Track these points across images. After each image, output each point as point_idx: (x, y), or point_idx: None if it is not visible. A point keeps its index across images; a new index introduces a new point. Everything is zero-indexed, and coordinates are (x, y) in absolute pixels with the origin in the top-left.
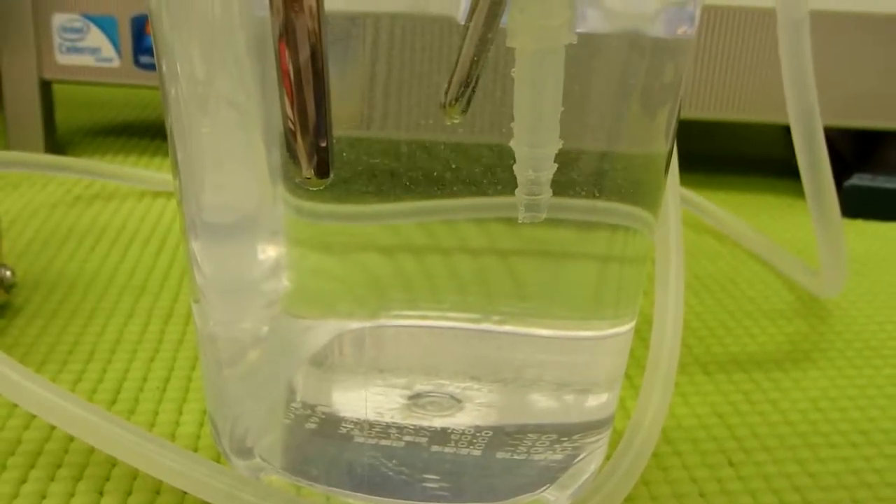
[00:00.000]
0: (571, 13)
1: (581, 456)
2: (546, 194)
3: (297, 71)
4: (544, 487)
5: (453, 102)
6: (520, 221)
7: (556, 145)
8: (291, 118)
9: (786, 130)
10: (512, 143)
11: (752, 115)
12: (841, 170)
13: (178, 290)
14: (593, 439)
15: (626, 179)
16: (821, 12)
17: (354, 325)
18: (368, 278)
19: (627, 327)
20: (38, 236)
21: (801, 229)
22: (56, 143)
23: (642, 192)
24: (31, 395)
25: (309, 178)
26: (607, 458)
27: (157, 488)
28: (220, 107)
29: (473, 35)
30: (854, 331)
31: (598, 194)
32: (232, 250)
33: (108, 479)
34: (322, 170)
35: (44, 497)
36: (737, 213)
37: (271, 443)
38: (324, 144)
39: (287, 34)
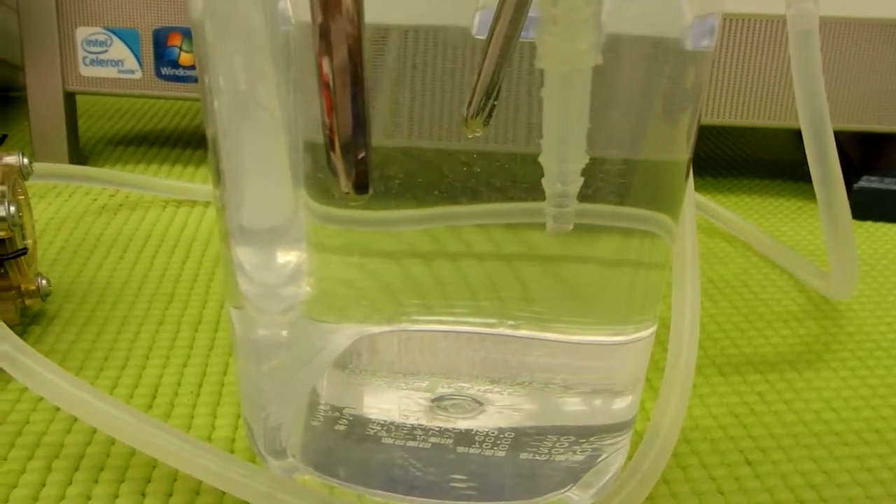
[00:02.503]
0: (598, 36)
1: (603, 457)
2: (573, 206)
3: (337, 84)
4: (568, 487)
5: (475, 116)
6: (548, 232)
7: (583, 160)
8: (331, 133)
9: (796, 134)
10: (541, 159)
11: (763, 120)
12: (849, 172)
13: (206, 298)
14: (615, 440)
15: (648, 186)
16: (830, 18)
17: (376, 329)
18: (390, 283)
19: (649, 331)
20: (67, 245)
21: (811, 232)
22: (79, 152)
23: (664, 198)
24: (74, 398)
25: (348, 193)
26: (629, 458)
27: (197, 489)
28: (259, 116)
29: (494, 51)
30: (865, 332)
31: (620, 200)
32: (274, 255)
33: (149, 481)
34: (361, 185)
35: (89, 499)
36: (749, 216)
37: (303, 443)
38: (363, 158)
39: (327, 45)
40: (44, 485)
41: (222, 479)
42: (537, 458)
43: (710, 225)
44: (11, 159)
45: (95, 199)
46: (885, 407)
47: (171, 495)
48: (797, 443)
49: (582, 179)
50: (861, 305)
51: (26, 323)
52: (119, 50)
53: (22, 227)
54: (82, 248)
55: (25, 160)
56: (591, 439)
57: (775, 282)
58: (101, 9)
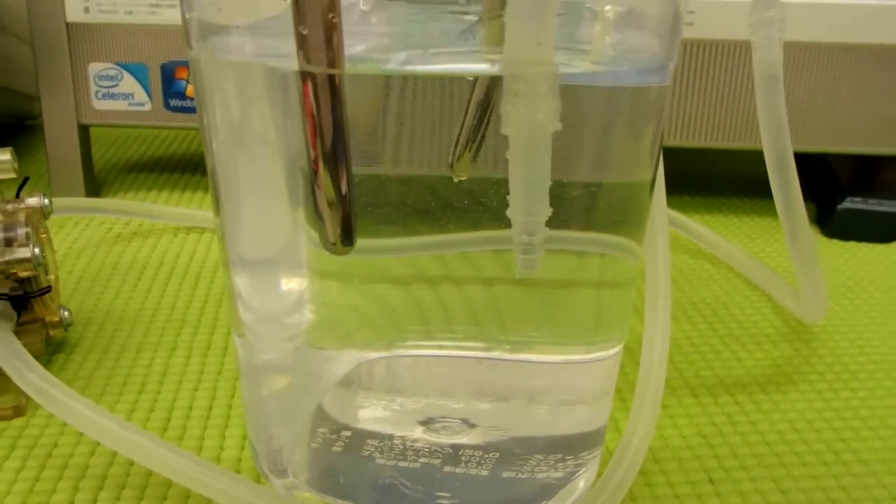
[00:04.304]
0: (556, 105)
1: (580, 472)
2: (539, 253)
3: (323, 153)
4: (544, 502)
5: (459, 159)
6: (517, 276)
7: (547, 213)
8: (317, 193)
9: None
10: (508, 212)
11: (747, 143)
12: (836, 192)
13: (215, 323)
14: (590, 455)
15: (611, 209)
16: (818, 45)
17: (372, 355)
18: (386, 310)
19: (617, 349)
20: (86, 274)
21: None
22: (94, 181)
23: (627, 221)
24: (97, 425)
25: (334, 244)
26: (599, 474)
27: None
28: (254, 149)
29: (475, 103)
30: (835, 354)
31: (584, 225)
32: (272, 284)
33: (165, 499)
34: (347, 239)
35: None
36: (734, 235)
37: (303, 463)
38: (347, 215)
39: (316, 129)
40: (72, 502)
41: (230, 497)
42: (519, 476)
43: (695, 246)
44: (33, 201)
45: (111, 229)
46: (846, 429)
47: (187, 498)
48: (759, 463)
49: (547, 230)
50: (835, 328)
51: (50, 352)
52: (129, 84)
53: (45, 266)
54: (100, 277)
55: (46, 200)
56: (572, 455)
57: (754, 303)
58: (112, 45)
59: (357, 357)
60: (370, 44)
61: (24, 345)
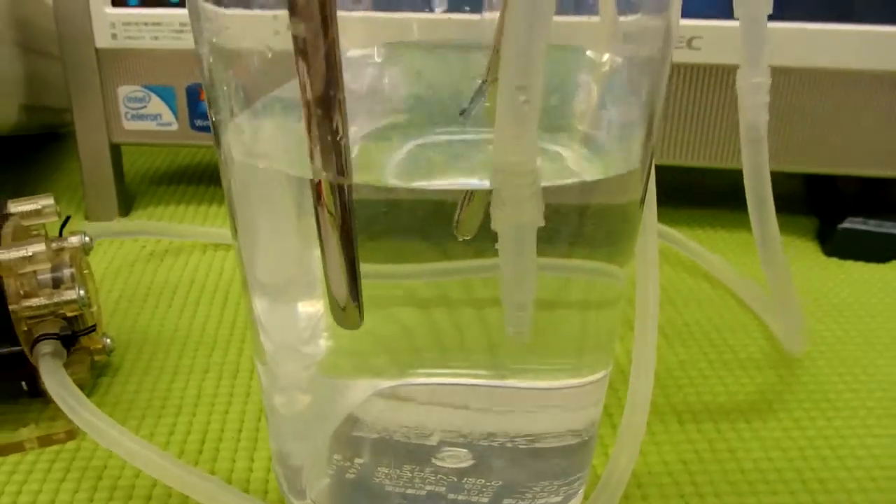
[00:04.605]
0: (540, 205)
1: (577, 494)
2: (529, 324)
3: (330, 248)
4: None
5: (461, 219)
6: (506, 336)
7: (534, 294)
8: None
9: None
10: (501, 294)
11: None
12: (838, 211)
13: (241, 346)
14: (581, 478)
15: (597, 238)
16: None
17: (384, 384)
18: (395, 341)
19: (605, 373)
20: (123, 295)
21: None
22: (125, 193)
23: (613, 244)
24: (138, 455)
25: (344, 321)
26: (586, 497)
27: None
28: (267, 178)
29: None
30: (817, 381)
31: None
32: (291, 312)
33: None
34: (353, 321)
35: None
36: (739, 251)
37: (320, 488)
38: (355, 304)
39: (323, 233)
40: None
41: None
42: (520, 502)
43: (695, 265)
44: (75, 240)
45: (144, 246)
46: (816, 458)
47: None
48: (732, 490)
49: (533, 307)
50: (820, 353)
51: (96, 376)
52: (157, 105)
53: (89, 301)
54: (136, 297)
55: (87, 238)
56: (570, 479)
57: (746, 327)
58: (139, 69)
59: (369, 386)
60: (375, 123)
61: (72, 374)
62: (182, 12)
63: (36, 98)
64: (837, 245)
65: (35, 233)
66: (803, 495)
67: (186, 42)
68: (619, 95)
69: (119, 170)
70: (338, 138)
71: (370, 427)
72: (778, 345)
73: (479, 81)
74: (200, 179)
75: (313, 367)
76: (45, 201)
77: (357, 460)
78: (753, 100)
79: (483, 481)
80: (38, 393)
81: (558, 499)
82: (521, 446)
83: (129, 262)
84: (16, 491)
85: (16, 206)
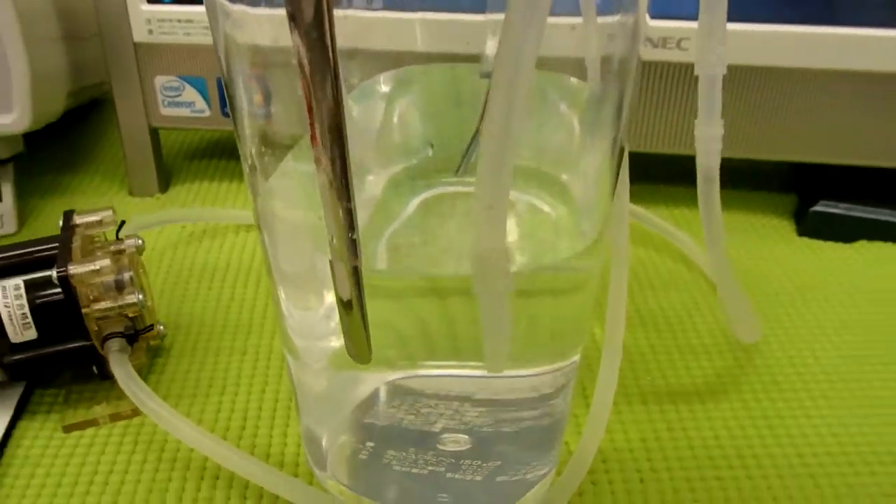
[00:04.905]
0: (511, 277)
1: (555, 465)
2: (503, 363)
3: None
4: (524, 495)
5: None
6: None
7: (507, 344)
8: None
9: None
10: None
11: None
12: (813, 195)
13: (273, 329)
14: (558, 450)
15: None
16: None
17: (391, 376)
18: (401, 337)
19: (575, 358)
20: (168, 277)
21: (768, 251)
22: (164, 172)
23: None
24: (188, 435)
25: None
26: (558, 473)
27: (276, 499)
28: (281, 177)
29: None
30: (768, 365)
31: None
32: (306, 305)
33: (246, 487)
34: (364, 358)
35: (211, 500)
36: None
37: (336, 463)
38: (365, 338)
39: (338, 289)
40: (184, 489)
41: (288, 492)
42: (512, 479)
43: (678, 250)
44: (131, 242)
45: (184, 227)
46: (755, 436)
47: (261, 497)
48: (680, 465)
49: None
50: (775, 337)
51: (151, 357)
52: (190, 94)
53: (146, 303)
54: (179, 280)
55: (140, 241)
56: (550, 454)
57: (714, 311)
58: (174, 61)
59: (377, 380)
60: (389, 168)
61: (134, 360)
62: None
63: (80, 80)
64: (809, 226)
65: (97, 241)
66: (739, 470)
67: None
68: (595, 127)
69: (158, 150)
70: (352, 235)
71: (379, 415)
72: None
73: (474, 132)
74: (232, 154)
75: (326, 360)
76: (104, 213)
77: (368, 443)
78: (708, 147)
79: (479, 462)
80: (106, 376)
81: (543, 471)
82: (511, 429)
83: (172, 244)
84: (95, 461)
85: (80, 219)
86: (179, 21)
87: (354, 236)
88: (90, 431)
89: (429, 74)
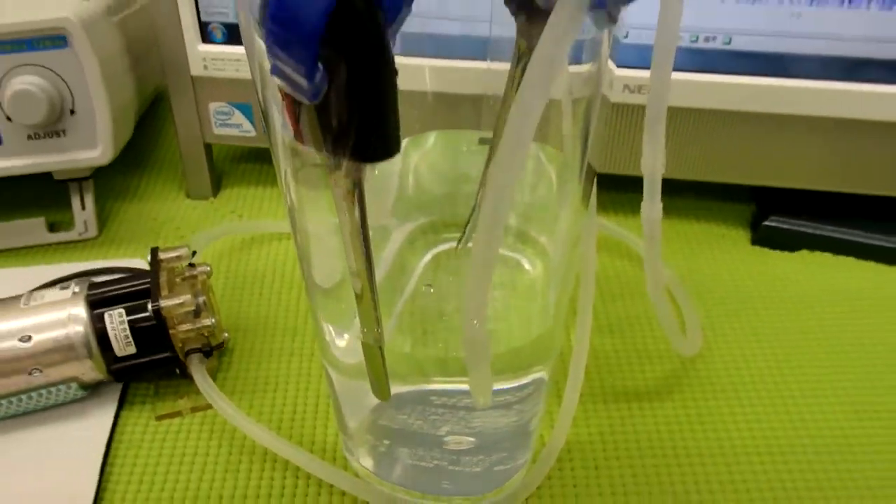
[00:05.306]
0: (489, 353)
1: (531, 452)
2: (489, 399)
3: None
4: (511, 479)
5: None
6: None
7: (489, 390)
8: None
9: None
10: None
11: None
12: (766, 210)
13: (313, 334)
14: (534, 439)
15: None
16: (765, 114)
17: (403, 389)
18: (408, 356)
19: (547, 370)
20: (227, 282)
21: (729, 258)
22: (217, 178)
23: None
24: (249, 429)
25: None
26: (533, 461)
27: (319, 480)
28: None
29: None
30: (708, 370)
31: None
32: (333, 317)
33: (298, 469)
34: (384, 396)
35: (272, 479)
36: (683, 241)
37: (361, 452)
38: (385, 387)
39: (368, 363)
40: (250, 471)
41: (327, 475)
42: (507, 467)
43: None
44: (202, 269)
45: (235, 235)
46: (689, 431)
47: (309, 478)
48: (627, 454)
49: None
50: (717, 346)
51: (219, 356)
52: (238, 117)
53: (216, 322)
54: (236, 285)
55: (208, 268)
56: (530, 443)
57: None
58: (225, 91)
59: (392, 390)
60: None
61: (207, 365)
62: None
63: (145, 97)
64: (761, 237)
65: (177, 270)
66: (672, 458)
67: None
68: (565, 193)
69: (211, 162)
70: (378, 329)
71: (391, 419)
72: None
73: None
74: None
75: (350, 371)
76: (181, 250)
77: (384, 441)
78: (650, 216)
79: (478, 458)
80: (186, 375)
81: (524, 459)
82: (505, 429)
83: (227, 251)
84: (182, 445)
85: (164, 255)
86: (229, 59)
87: (380, 329)
88: (176, 420)
89: (436, 140)
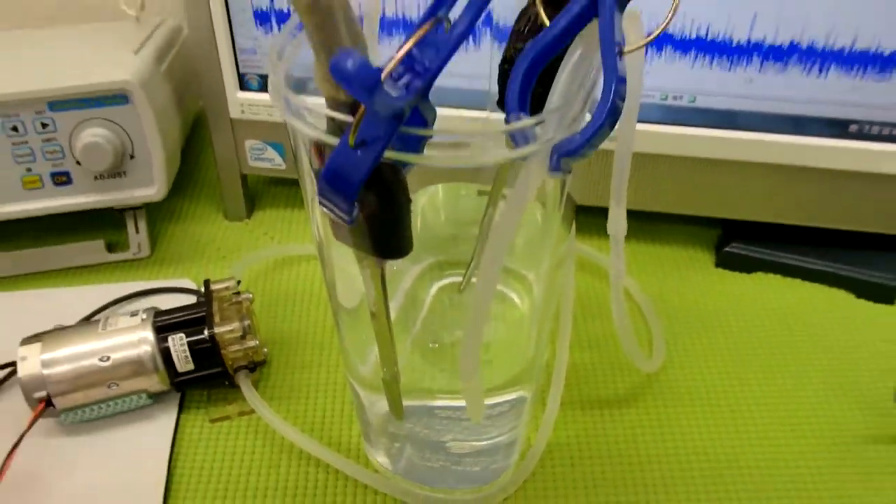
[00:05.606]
0: (482, 390)
1: (518, 455)
2: (482, 416)
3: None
4: (503, 474)
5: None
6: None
7: (482, 409)
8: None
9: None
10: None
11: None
12: (729, 237)
13: (339, 348)
14: (520, 446)
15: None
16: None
17: (411, 403)
18: (415, 375)
19: (531, 391)
20: (263, 300)
21: (698, 278)
22: (251, 201)
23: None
24: (286, 432)
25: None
26: (521, 458)
27: (346, 477)
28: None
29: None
30: (668, 382)
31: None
32: (354, 339)
33: (328, 466)
34: (399, 416)
35: (307, 474)
36: (653, 266)
37: (378, 450)
38: (401, 411)
39: (388, 398)
40: (289, 467)
41: (352, 472)
42: (504, 464)
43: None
44: (246, 296)
45: (269, 257)
46: (647, 434)
47: (337, 473)
48: (596, 454)
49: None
50: (678, 361)
51: (260, 368)
52: (271, 153)
53: (259, 342)
54: (271, 304)
55: (251, 295)
56: (519, 444)
57: (640, 336)
58: (259, 131)
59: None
60: (420, 263)
61: (252, 378)
62: None
63: (188, 127)
64: (722, 260)
65: (227, 300)
66: (634, 458)
67: None
68: (548, 236)
69: (246, 188)
70: (395, 368)
71: (399, 427)
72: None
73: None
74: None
75: (367, 384)
76: (230, 282)
77: (395, 444)
78: (617, 268)
79: (478, 459)
80: (234, 386)
81: (514, 458)
82: (502, 436)
83: (262, 272)
84: (232, 443)
85: (215, 286)
86: (262, 105)
87: (396, 368)
88: (226, 423)
89: (441, 192)
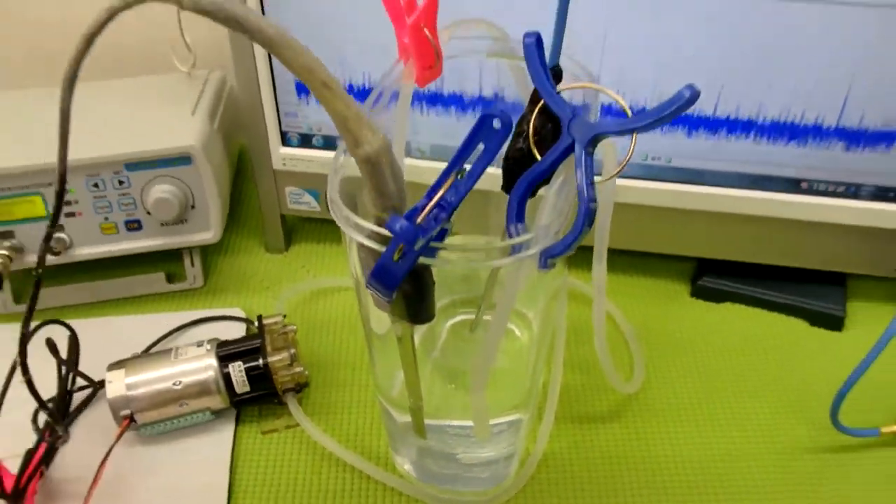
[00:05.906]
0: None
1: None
2: (488, 435)
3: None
4: (506, 479)
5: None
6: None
7: (488, 429)
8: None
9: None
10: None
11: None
12: (703, 271)
13: (368, 369)
14: (519, 455)
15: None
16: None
17: (427, 421)
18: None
19: (527, 414)
20: (302, 326)
21: (677, 312)
22: (289, 236)
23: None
24: (326, 443)
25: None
26: (521, 465)
27: (376, 481)
28: None
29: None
30: (646, 401)
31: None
32: (382, 362)
33: (361, 472)
34: (422, 436)
35: (345, 480)
36: (637, 296)
37: (402, 459)
38: (424, 431)
39: (413, 421)
40: (329, 474)
41: (381, 477)
42: (507, 471)
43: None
44: (291, 328)
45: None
46: (627, 446)
47: (369, 479)
48: (587, 463)
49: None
50: (657, 380)
51: (302, 388)
52: (308, 198)
53: (303, 368)
54: (310, 330)
55: (295, 327)
56: (518, 453)
57: (623, 360)
58: (298, 180)
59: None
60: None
61: (298, 398)
62: (321, 153)
63: (234, 169)
64: (696, 291)
65: (276, 331)
66: (616, 467)
67: (325, 168)
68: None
69: (285, 226)
70: (420, 404)
71: (421, 441)
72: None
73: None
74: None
75: (391, 402)
76: (278, 318)
77: (417, 454)
78: (598, 314)
79: (489, 467)
80: (282, 403)
81: (515, 465)
82: (503, 450)
83: (303, 301)
84: (281, 453)
85: (266, 321)
86: (301, 159)
87: (421, 403)
88: (275, 435)
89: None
